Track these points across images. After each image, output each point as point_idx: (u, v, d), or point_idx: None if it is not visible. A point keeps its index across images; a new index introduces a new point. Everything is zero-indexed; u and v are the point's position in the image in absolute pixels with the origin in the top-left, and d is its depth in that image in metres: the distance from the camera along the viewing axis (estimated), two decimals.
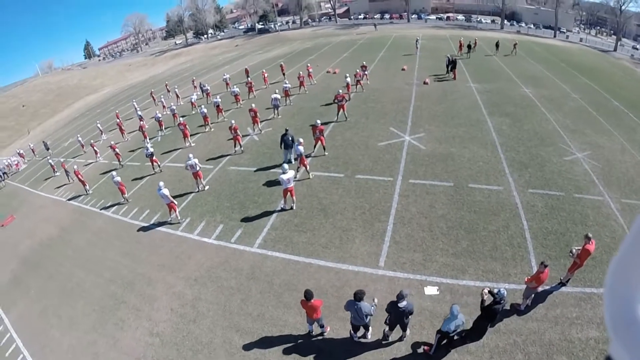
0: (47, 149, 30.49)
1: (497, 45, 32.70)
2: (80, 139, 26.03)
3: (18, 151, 33.51)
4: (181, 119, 20.78)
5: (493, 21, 66.85)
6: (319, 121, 13.68)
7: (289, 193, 10.61)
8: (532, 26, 63.99)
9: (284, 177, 10.15)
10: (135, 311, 9.31)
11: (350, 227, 9.80)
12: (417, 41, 34.26)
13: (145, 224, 13.14)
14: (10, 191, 25.44)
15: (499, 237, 8.88)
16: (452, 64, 23.14)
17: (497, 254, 8.42)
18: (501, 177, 11.53)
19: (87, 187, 17.79)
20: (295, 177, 12.61)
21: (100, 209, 15.78)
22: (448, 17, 72.84)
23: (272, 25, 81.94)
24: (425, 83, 22.33)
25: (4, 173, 28.19)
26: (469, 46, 30.78)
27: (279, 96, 18.92)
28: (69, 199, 18.30)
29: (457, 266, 8.17)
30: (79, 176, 17.61)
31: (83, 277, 11.69)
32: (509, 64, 28.33)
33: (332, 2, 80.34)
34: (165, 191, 11.56)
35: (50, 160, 23.80)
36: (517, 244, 8.67)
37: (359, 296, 5.83)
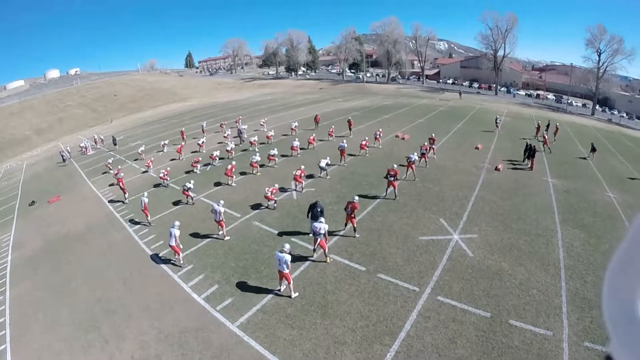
0: (115, 144, 33.77)
1: (593, 147, 25.73)
2: (143, 149, 28.72)
3: (94, 136, 37.94)
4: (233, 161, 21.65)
5: (584, 105, 63.66)
6: (356, 197, 13.06)
7: (284, 277, 9.97)
8: (624, 115, 59.33)
9: (280, 255, 9.54)
10: (104, 342, 9.54)
11: (344, 340, 8.72)
12: (497, 119, 32.94)
13: (154, 255, 13.42)
14: (70, 171, 28.67)
15: None
16: (530, 151, 21.32)
17: None
18: (554, 317, 9.24)
19: (127, 195, 18.96)
20: (312, 257, 12.14)
21: (127, 222, 16.60)
22: (538, 95, 70.80)
23: (360, 76, 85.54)
24: (497, 169, 20.68)
25: (65, 158, 31.93)
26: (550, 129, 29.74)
27: (323, 163, 19.11)
28: (110, 201, 19.65)
29: None
30: (121, 184, 18.88)
31: (79, 284, 12.50)
32: (596, 159, 25.45)
33: (421, 63, 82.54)
34: (176, 232, 11.81)
35: (110, 160, 26.20)
36: None
37: None
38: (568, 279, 10.88)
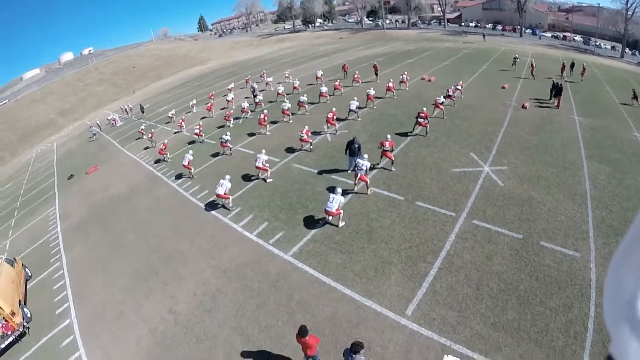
0: (142, 112, 34.73)
1: (634, 94, 23.99)
2: (173, 112, 29.38)
3: (121, 106, 38.93)
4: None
5: (613, 47, 59.97)
6: (388, 136, 13.69)
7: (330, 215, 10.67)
8: None
9: (331, 196, 10.30)
10: (164, 285, 10.33)
11: (390, 260, 9.39)
12: (515, 58, 32.70)
13: (201, 204, 14.25)
14: (102, 144, 29.70)
15: (555, 318, 7.44)
16: (557, 90, 20.96)
17: (546, 340, 7.02)
18: (582, 241, 9.67)
19: (168, 155, 19.83)
20: (353, 190, 12.74)
21: (170, 179, 17.46)
22: (565, 37, 66.96)
23: (380, 23, 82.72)
24: (524, 107, 20.54)
25: (94, 132, 32.48)
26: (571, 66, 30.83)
27: (353, 106, 19.42)
28: (153, 162, 20.52)
29: (493, 341, 7.07)
30: (163, 146, 19.83)
31: (132, 239, 13.31)
32: (624, 99, 24.58)
33: (442, 7, 78.61)
34: (228, 184, 12.69)
35: (142, 127, 26.99)
36: (574, 333, 7.09)
37: (355, 348, 5.52)
38: (594, 208, 11.19)
